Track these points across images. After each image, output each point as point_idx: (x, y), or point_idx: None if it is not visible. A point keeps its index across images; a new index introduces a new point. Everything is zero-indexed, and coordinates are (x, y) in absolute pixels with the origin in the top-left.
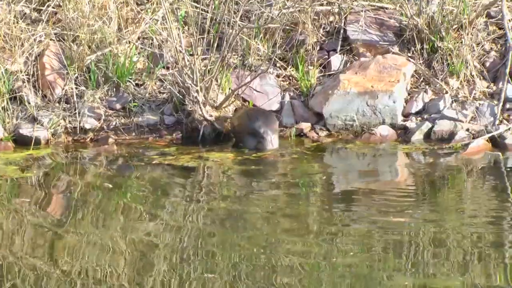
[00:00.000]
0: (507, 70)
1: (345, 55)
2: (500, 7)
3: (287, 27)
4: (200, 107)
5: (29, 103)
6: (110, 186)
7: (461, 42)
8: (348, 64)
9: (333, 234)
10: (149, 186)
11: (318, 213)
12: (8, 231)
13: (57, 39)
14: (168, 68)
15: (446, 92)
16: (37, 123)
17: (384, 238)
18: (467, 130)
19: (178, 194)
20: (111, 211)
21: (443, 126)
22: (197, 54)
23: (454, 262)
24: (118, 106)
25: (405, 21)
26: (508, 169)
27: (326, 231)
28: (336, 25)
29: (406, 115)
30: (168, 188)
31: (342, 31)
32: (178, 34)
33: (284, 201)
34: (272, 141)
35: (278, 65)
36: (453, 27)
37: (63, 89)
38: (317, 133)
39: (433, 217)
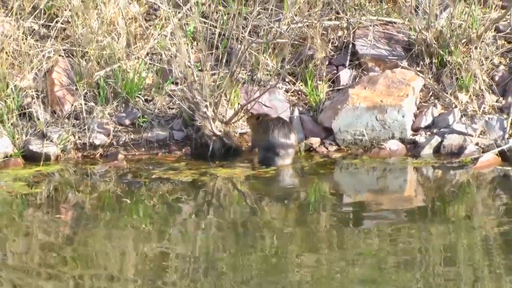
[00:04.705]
0: None
1: (354, 70)
2: (508, 21)
3: (296, 42)
4: (209, 123)
5: (38, 119)
6: (128, 201)
7: (470, 56)
8: (357, 79)
9: (344, 249)
10: (156, 203)
11: (327, 231)
12: (16, 248)
13: (66, 55)
14: (177, 83)
15: (455, 107)
16: (47, 139)
17: (396, 253)
18: (477, 144)
19: (184, 211)
20: (121, 228)
21: (452, 141)
22: (206, 70)
23: (466, 277)
24: (127, 121)
25: (414, 35)
26: None
27: (336, 246)
28: (345, 40)
29: (415, 130)
30: (175, 204)
31: (350, 46)
32: (187, 50)
33: (290, 220)
34: (284, 157)
35: (287, 80)
36: (462, 41)
37: (72, 105)
38: (327, 148)
39: (444, 232)
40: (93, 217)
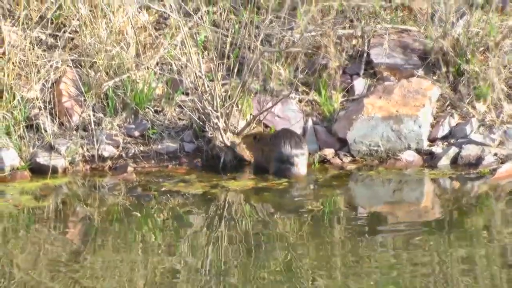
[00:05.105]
0: None
1: (368, 79)
2: None
3: (309, 51)
4: (220, 134)
5: (45, 131)
6: (138, 214)
7: (487, 65)
8: (372, 88)
9: (358, 265)
10: (166, 217)
11: (341, 245)
12: (24, 263)
13: (74, 65)
14: (187, 94)
15: (473, 116)
16: (54, 151)
17: (412, 269)
18: (495, 154)
19: (194, 225)
20: (130, 244)
21: (470, 151)
22: (217, 80)
23: None
24: (136, 133)
25: (430, 43)
26: None
27: (350, 261)
28: (359, 49)
29: (432, 140)
30: (185, 218)
31: (365, 55)
32: (197, 59)
33: (303, 233)
34: (299, 166)
35: (300, 89)
36: (479, 50)
37: (80, 116)
38: (341, 159)
39: (462, 246)
40: (102, 232)
